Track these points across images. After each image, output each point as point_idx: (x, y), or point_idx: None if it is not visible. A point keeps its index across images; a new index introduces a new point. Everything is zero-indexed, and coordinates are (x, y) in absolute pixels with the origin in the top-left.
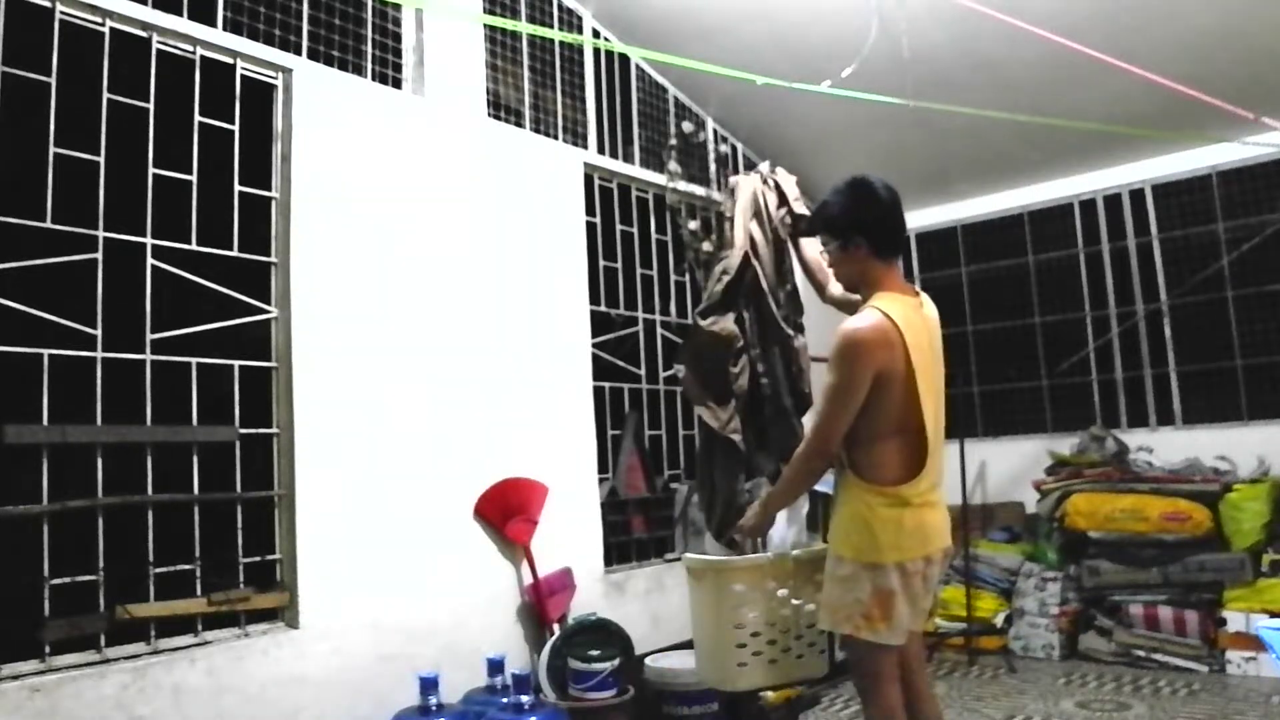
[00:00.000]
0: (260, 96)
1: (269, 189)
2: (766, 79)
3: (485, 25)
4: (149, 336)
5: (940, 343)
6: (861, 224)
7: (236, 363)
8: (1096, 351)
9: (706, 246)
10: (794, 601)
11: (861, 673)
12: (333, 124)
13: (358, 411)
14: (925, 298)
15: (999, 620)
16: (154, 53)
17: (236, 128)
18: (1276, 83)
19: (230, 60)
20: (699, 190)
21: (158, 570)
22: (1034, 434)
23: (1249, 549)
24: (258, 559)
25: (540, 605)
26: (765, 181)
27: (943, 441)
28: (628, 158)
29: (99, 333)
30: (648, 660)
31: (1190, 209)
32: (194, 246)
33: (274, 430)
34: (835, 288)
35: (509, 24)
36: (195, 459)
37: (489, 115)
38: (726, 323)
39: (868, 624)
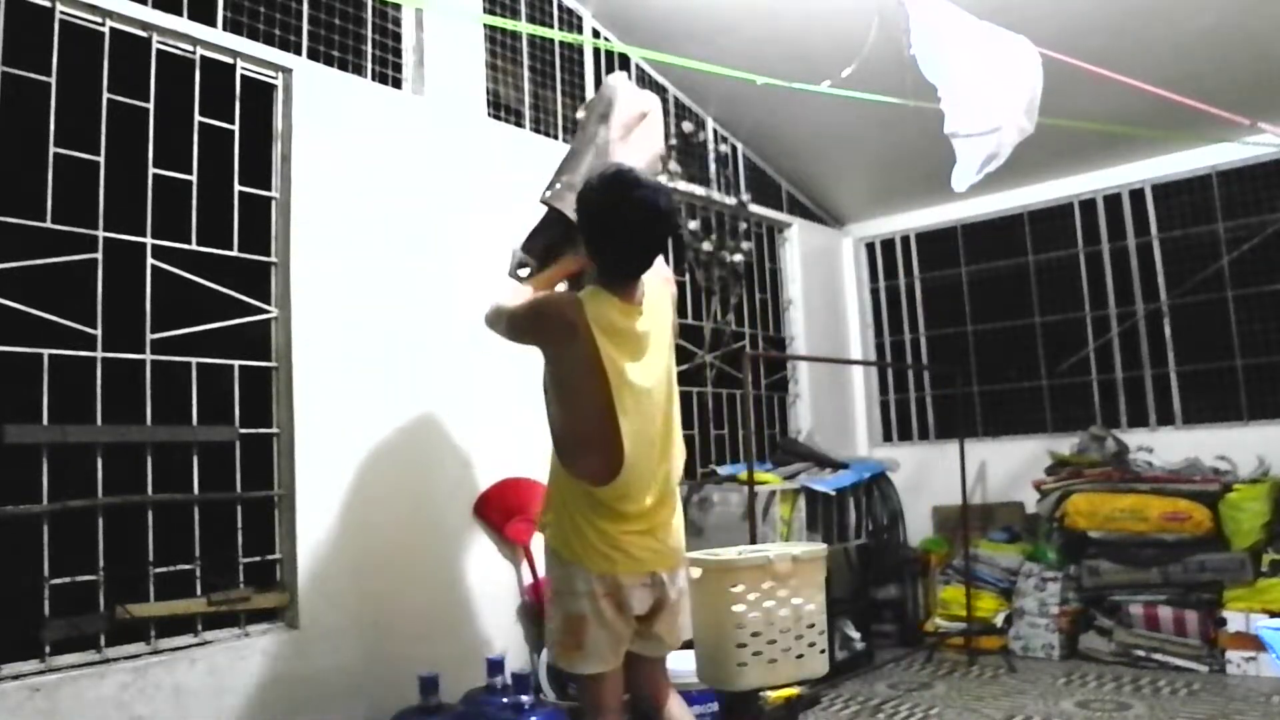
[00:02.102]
0: (260, 96)
1: (269, 189)
2: (767, 79)
3: (485, 25)
4: (149, 336)
5: (668, 365)
6: (598, 247)
7: (236, 363)
8: (1096, 351)
9: (706, 246)
10: (794, 601)
11: (582, 704)
12: (333, 124)
13: (358, 411)
14: (653, 314)
15: (999, 620)
16: (154, 53)
17: (236, 128)
18: (1276, 85)
19: (230, 60)
20: (699, 190)
21: (158, 570)
22: (1034, 434)
23: (1249, 549)
24: (258, 559)
25: (540, 605)
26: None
27: (668, 471)
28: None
29: (99, 333)
30: None
31: (1190, 209)
32: (194, 246)
33: (274, 430)
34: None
35: (509, 24)
36: (195, 459)
37: (489, 115)
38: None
39: (563, 652)
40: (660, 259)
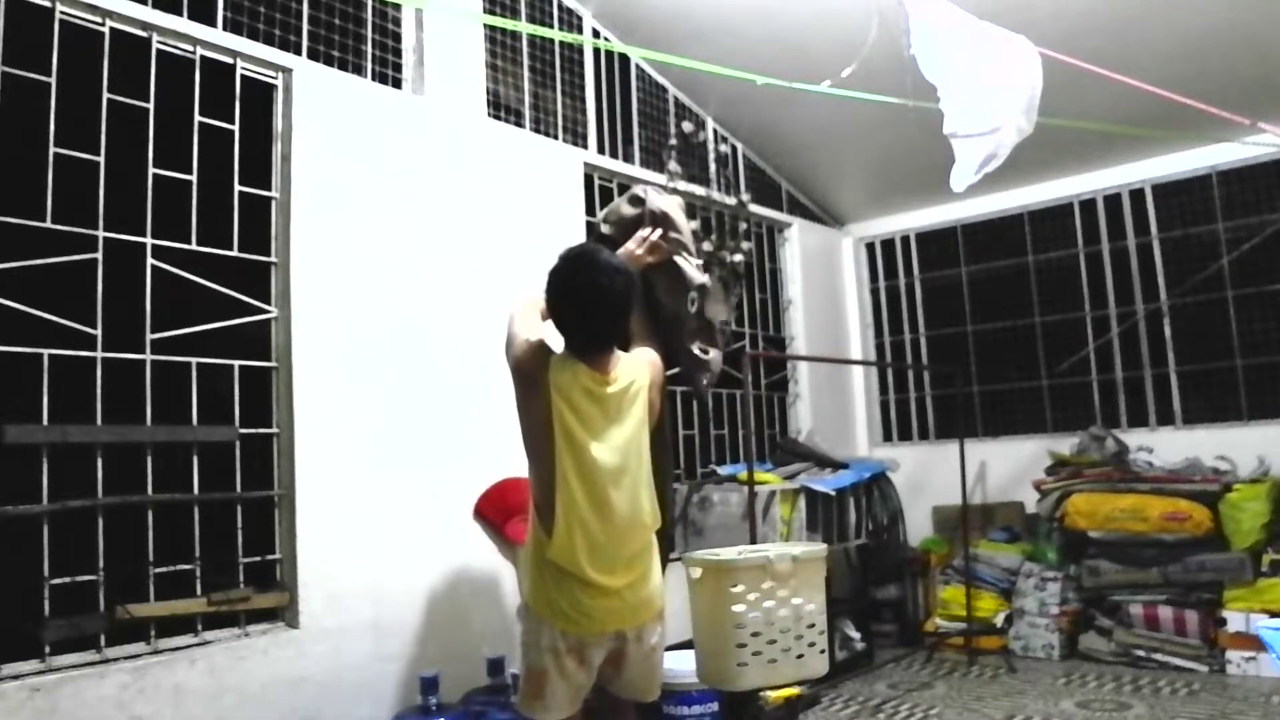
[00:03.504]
0: (260, 96)
1: (269, 189)
2: (766, 79)
3: (485, 25)
4: (149, 336)
5: (637, 441)
6: (557, 318)
7: (236, 362)
8: (1096, 351)
9: (706, 246)
10: (794, 601)
11: None
12: (333, 124)
13: (358, 411)
14: (625, 390)
15: (999, 620)
16: (154, 53)
17: (236, 128)
18: (1276, 85)
19: (230, 60)
20: (699, 190)
21: (158, 570)
22: (1034, 434)
23: (1249, 549)
24: (258, 559)
25: None
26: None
27: (635, 550)
28: (628, 158)
29: (99, 333)
30: None
31: (1190, 209)
32: (194, 246)
33: (274, 430)
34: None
35: (509, 24)
36: (195, 459)
37: (489, 115)
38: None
39: (524, 700)
40: (649, 350)
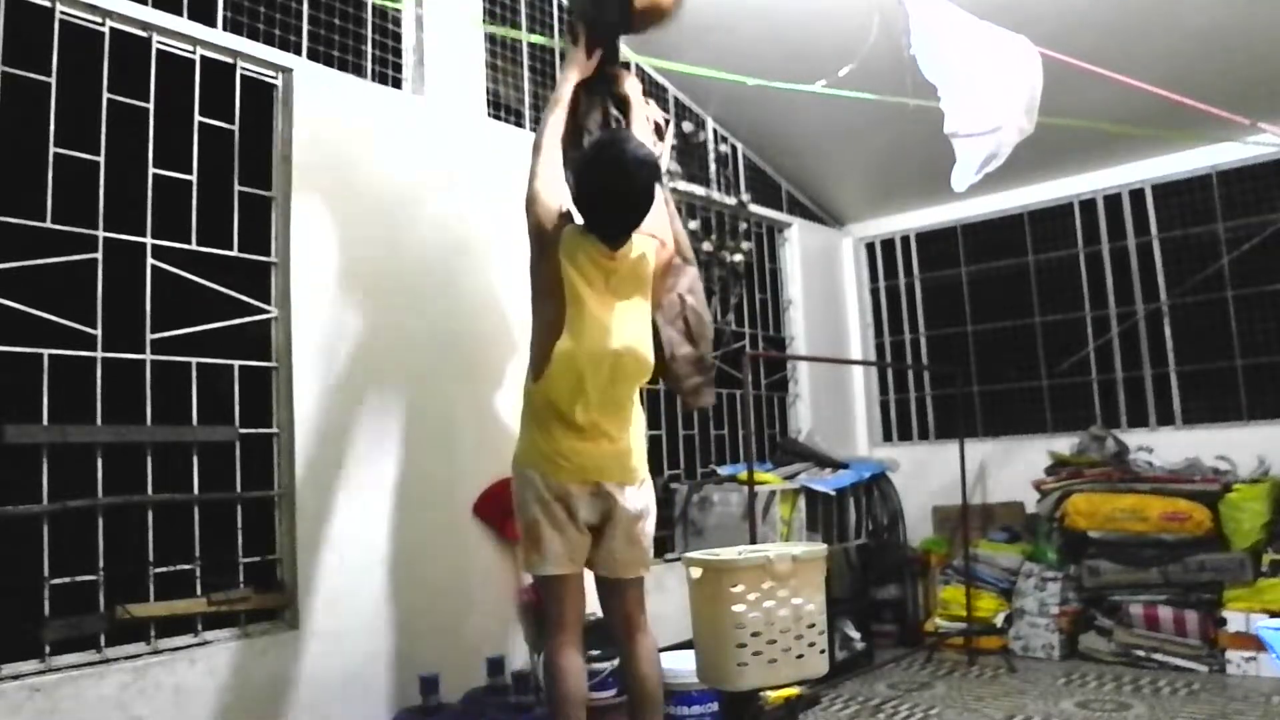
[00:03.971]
0: (260, 96)
1: (269, 189)
2: (758, 80)
3: (485, 25)
4: (149, 336)
5: (640, 311)
6: (582, 205)
7: (236, 363)
8: (1096, 351)
9: (706, 246)
10: (794, 601)
11: (545, 613)
12: (333, 124)
13: (358, 411)
14: (632, 265)
15: (999, 620)
16: (154, 53)
17: (236, 128)
18: (1276, 85)
19: (230, 60)
20: (699, 190)
21: (158, 570)
22: (1034, 434)
23: (1249, 549)
24: (258, 559)
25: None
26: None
27: (622, 395)
28: None
29: (99, 333)
30: None
31: (1190, 209)
32: (194, 246)
33: (274, 430)
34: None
35: (509, 31)
36: (195, 459)
37: (489, 115)
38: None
39: (526, 556)
40: (665, 223)
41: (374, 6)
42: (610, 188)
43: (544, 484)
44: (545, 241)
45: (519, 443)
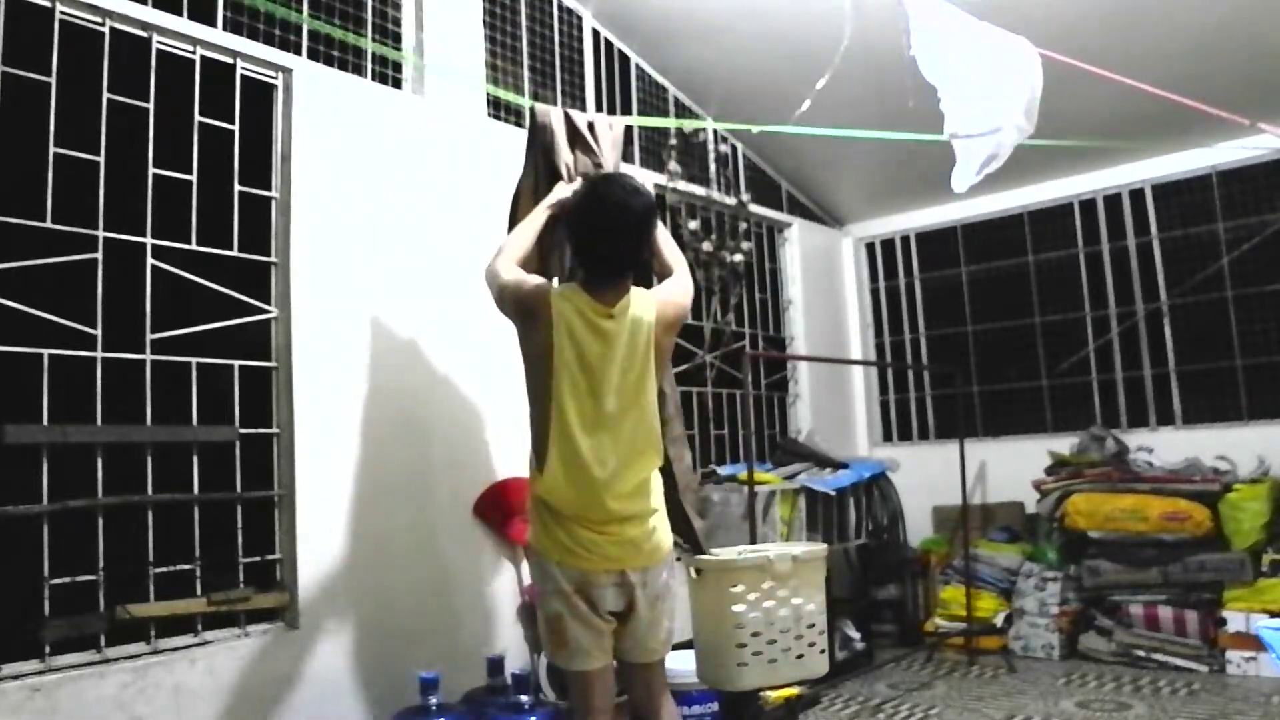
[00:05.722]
0: (260, 96)
1: (269, 189)
2: (761, 128)
3: (485, 25)
4: (149, 336)
5: (639, 373)
6: (578, 244)
7: (236, 363)
8: (1096, 351)
9: (706, 246)
10: (794, 601)
11: (572, 704)
12: (333, 124)
13: (358, 411)
14: (630, 322)
15: (999, 620)
16: (154, 53)
17: (236, 128)
18: (1276, 85)
19: (230, 60)
20: (699, 190)
21: (158, 570)
22: (1034, 434)
23: (1249, 549)
24: (258, 559)
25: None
26: (577, 124)
27: (638, 481)
28: (627, 158)
29: (99, 333)
30: None
31: (1190, 209)
32: (194, 246)
33: (274, 430)
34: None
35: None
36: (195, 459)
37: (489, 115)
38: None
39: (553, 650)
40: (670, 286)
41: (374, 6)
42: (606, 214)
43: (563, 576)
44: (528, 308)
45: (532, 526)
